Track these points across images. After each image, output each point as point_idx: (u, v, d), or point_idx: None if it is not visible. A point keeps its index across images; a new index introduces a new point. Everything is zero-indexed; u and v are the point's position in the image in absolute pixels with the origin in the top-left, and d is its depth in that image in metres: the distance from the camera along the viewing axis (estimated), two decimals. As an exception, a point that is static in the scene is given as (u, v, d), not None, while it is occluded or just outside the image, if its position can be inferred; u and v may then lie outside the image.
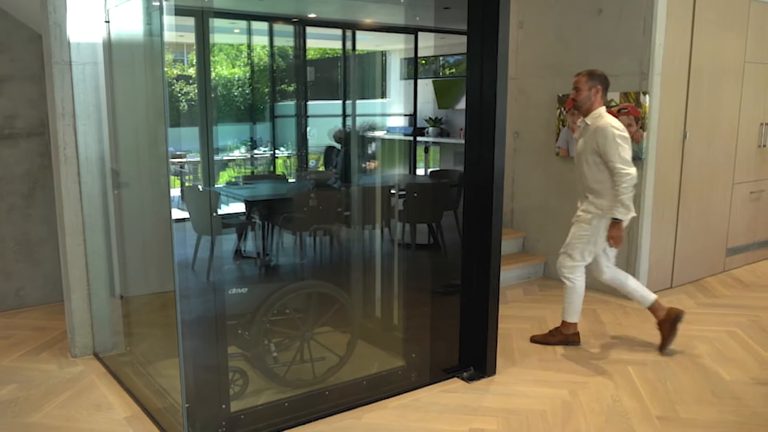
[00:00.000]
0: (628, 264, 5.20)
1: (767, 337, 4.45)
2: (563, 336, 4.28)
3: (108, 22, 3.57)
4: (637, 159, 5.03)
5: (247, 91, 9.67)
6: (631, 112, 5.04)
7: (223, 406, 3.12)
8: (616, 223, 3.94)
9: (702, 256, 5.82)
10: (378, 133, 8.71)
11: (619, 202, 3.88)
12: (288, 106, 9.30)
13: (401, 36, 9.33)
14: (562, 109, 5.53)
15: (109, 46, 3.64)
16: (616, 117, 5.10)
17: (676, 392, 3.61)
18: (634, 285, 4.25)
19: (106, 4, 3.60)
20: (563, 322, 4.28)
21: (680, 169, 5.39)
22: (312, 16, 7.72)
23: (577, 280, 4.21)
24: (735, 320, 4.77)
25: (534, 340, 4.34)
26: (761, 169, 6.25)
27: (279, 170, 8.89)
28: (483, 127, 3.65)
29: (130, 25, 3.50)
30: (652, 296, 4.21)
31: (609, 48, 5.18)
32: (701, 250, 5.79)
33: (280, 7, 7.24)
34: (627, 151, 3.87)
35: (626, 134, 3.91)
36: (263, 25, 8.52)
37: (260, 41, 8.99)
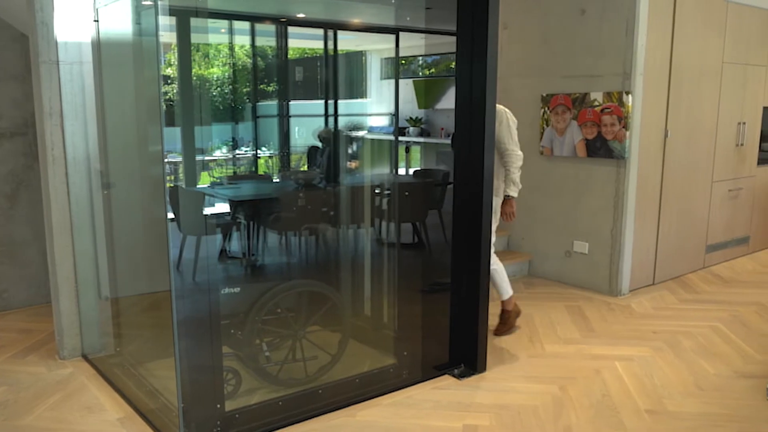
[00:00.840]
0: (612, 261, 5.28)
1: (749, 331, 4.55)
2: (511, 313, 4.48)
3: (97, 21, 3.55)
4: (621, 158, 5.12)
5: (226, 91, 9.62)
6: (614, 112, 5.12)
7: (218, 406, 3.12)
8: (509, 199, 4.28)
9: (683, 253, 5.93)
10: (361, 133, 8.73)
11: (511, 180, 4.26)
12: (270, 105, 9.28)
13: (382, 36, 9.35)
14: (546, 108, 5.60)
15: (98, 45, 3.61)
16: (600, 116, 5.20)
17: (663, 386, 3.68)
18: (503, 275, 4.43)
19: (95, 3, 3.57)
20: (502, 303, 4.47)
21: (662, 168, 5.49)
22: (301, 15, 7.71)
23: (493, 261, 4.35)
24: (717, 315, 4.87)
25: (498, 333, 4.45)
26: (739, 168, 6.39)
27: (261, 170, 8.86)
28: (473, 127, 3.69)
29: (120, 24, 3.49)
30: (511, 291, 4.46)
31: (592, 48, 5.25)
32: (682, 248, 5.90)
33: (271, 7, 7.22)
34: (516, 135, 4.26)
35: (515, 120, 4.30)
36: (245, 25, 8.49)
37: (242, 41, 8.95)
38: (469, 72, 3.67)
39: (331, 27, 8.28)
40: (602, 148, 5.23)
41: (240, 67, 9.45)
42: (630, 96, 5.04)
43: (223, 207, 6.22)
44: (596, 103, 5.24)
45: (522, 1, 5.75)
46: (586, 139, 5.33)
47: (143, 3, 3.56)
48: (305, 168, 7.97)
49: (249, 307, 3.43)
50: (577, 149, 5.41)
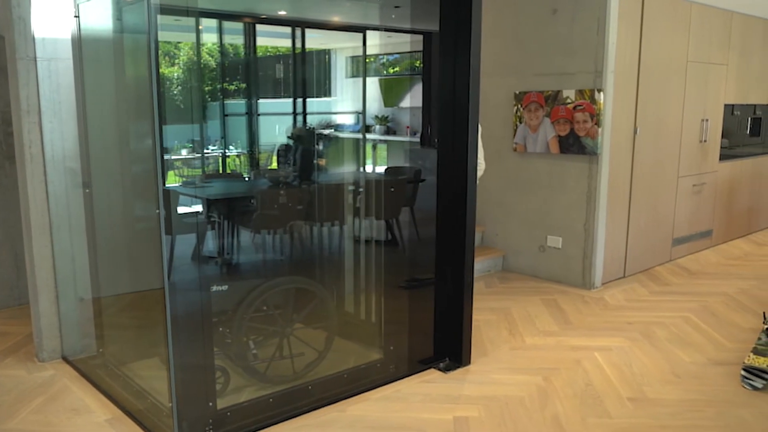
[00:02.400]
0: (585, 255, 5.41)
1: (718, 321, 4.71)
2: None
3: (77, 17, 3.49)
4: (593, 154, 5.24)
5: (191, 90, 9.50)
6: (587, 109, 5.24)
7: (210, 404, 3.10)
8: None
9: (651, 247, 6.10)
10: (333, 131, 8.73)
11: None
12: (239, 104, 9.20)
13: (347, 34, 9.36)
14: (519, 106, 5.69)
15: (78, 41, 3.55)
16: (573, 113, 5.32)
17: (642, 375, 3.80)
18: None
19: (76, -2, 3.52)
20: None
21: (631, 164, 5.63)
22: (270, 13, 7.67)
23: None
24: (687, 306, 5.02)
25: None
26: (702, 163, 6.59)
27: (230, 169, 8.78)
28: (456, 124, 3.74)
29: (102, 20, 3.44)
30: None
31: (564, 47, 5.36)
32: (650, 241, 6.06)
33: (239, 5, 7.16)
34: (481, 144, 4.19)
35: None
36: (212, 23, 8.39)
37: (209, 38, 8.85)
38: (452, 70, 3.72)
39: (300, 25, 8.27)
40: (575, 144, 5.35)
41: (207, 65, 9.35)
42: (602, 93, 5.16)
43: (195, 206, 6.15)
44: (569, 101, 5.35)
45: (494, 1, 5.83)
46: (559, 136, 5.45)
47: (125, -1, 3.52)
48: (275, 166, 7.93)
49: (237, 305, 3.42)
50: (550, 146, 5.51)
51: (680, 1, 5.86)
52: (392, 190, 4.99)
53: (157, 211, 2.89)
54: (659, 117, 5.86)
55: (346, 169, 7.97)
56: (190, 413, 3.05)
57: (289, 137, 7.10)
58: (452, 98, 3.75)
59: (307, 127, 7.39)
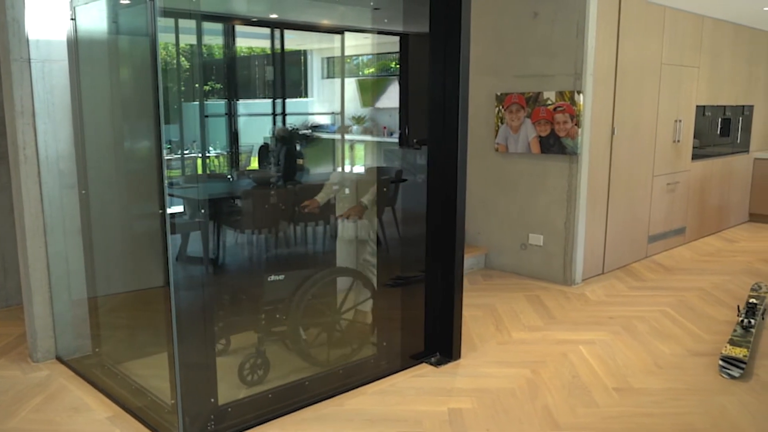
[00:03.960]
0: (566, 252, 5.56)
1: (695, 314, 4.89)
2: None
3: (74, 19, 3.52)
4: (573, 154, 5.40)
5: (169, 90, 9.48)
6: (567, 110, 5.39)
7: (212, 400, 3.16)
8: None
9: (628, 244, 6.28)
10: (315, 132, 8.79)
11: None
12: (218, 105, 9.20)
13: (323, 35, 9.43)
14: (501, 107, 5.83)
15: (75, 44, 3.58)
16: (553, 114, 5.47)
17: (626, 366, 3.94)
18: None
19: (73, 1, 3.54)
20: None
21: (609, 163, 5.81)
22: (249, 14, 7.70)
23: None
24: (664, 300, 5.20)
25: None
26: (676, 163, 6.80)
27: (211, 169, 8.78)
28: (446, 124, 3.85)
29: (99, 22, 3.47)
30: None
31: (545, 49, 5.51)
32: (627, 238, 6.25)
33: (219, 6, 7.18)
34: None
35: None
36: (191, 23, 8.39)
37: (188, 39, 8.84)
38: (442, 71, 3.82)
39: (279, 26, 8.31)
40: (555, 144, 5.50)
41: (185, 65, 9.33)
42: (581, 95, 5.32)
43: (177, 207, 6.17)
44: (549, 102, 5.49)
45: (476, 3, 5.95)
46: (539, 136, 5.59)
47: (121, 2, 3.56)
48: (255, 167, 7.97)
49: (293, 293, 3.65)
50: (531, 146, 5.66)
51: (654, 6, 6.05)
52: (385, 190, 5.07)
53: (160, 210, 2.95)
54: (635, 118, 6.05)
55: (326, 170, 8.05)
56: (192, 409, 3.10)
57: (276, 138, 7.15)
58: (442, 98, 3.85)
59: (291, 128, 7.45)
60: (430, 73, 3.88)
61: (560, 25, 5.40)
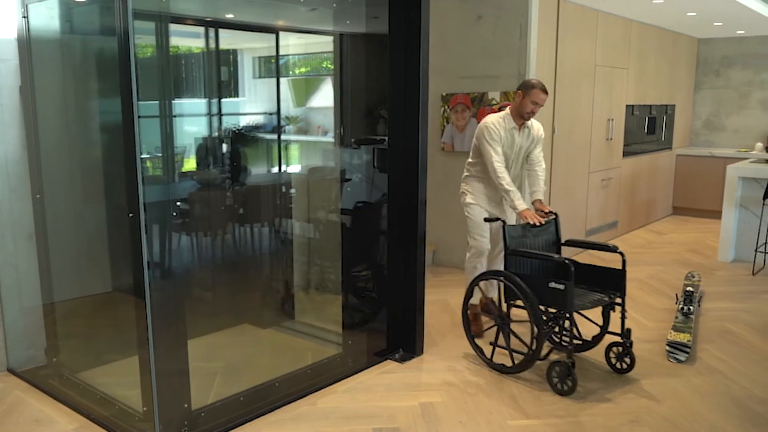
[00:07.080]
0: (513, 248, 5.73)
1: (636, 304, 5.15)
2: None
3: (26, 17, 3.38)
4: (518, 152, 5.57)
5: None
6: (512, 110, 5.55)
7: (185, 406, 3.11)
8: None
9: (569, 237, 6.51)
10: (251, 132, 8.70)
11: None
12: (151, 105, 8.98)
13: (254, 35, 9.34)
14: (446, 107, 5.95)
15: (28, 43, 3.44)
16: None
17: (583, 354, 4.12)
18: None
19: (24, -2, 3.40)
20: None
21: (550, 161, 6.02)
22: (182, 13, 7.52)
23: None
24: (607, 291, 5.44)
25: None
26: (609, 160, 7.12)
27: (150, 172, 8.55)
28: (406, 122, 3.91)
29: (53, 21, 3.35)
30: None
31: (489, 51, 5.66)
32: (567, 233, 6.46)
33: (152, 4, 7.00)
34: (491, 148, 4.53)
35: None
36: (147, 24, 8.14)
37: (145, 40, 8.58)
38: (402, 71, 3.88)
39: (213, 25, 8.18)
40: (501, 143, 5.65)
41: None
42: (525, 95, 5.49)
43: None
44: (494, 102, 5.65)
45: (420, 6, 6.06)
46: (485, 136, 5.73)
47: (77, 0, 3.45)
48: (192, 168, 7.82)
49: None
50: (477, 145, 5.79)
51: (588, 10, 6.32)
52: (348, 189, 5.09)
53: (131, 214, 2.89)
54: (573, 117, 6.30)
55: (265, 170, 7.99)
56: (166, 415, 3.05)
57: (219, 139, 7.04)
58: (402, 97, 3.91)
59: (236, 129, 7.35)
60: (390, 73, 3.94)
61: (503, 28, 5.56)
